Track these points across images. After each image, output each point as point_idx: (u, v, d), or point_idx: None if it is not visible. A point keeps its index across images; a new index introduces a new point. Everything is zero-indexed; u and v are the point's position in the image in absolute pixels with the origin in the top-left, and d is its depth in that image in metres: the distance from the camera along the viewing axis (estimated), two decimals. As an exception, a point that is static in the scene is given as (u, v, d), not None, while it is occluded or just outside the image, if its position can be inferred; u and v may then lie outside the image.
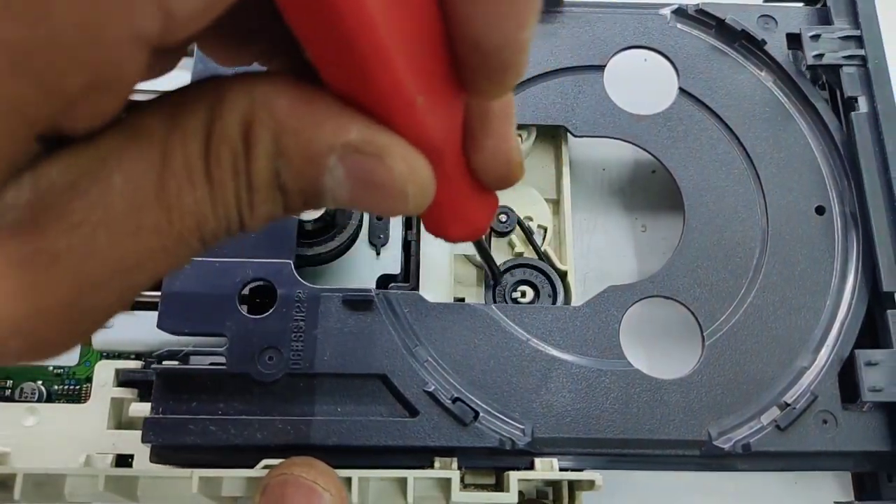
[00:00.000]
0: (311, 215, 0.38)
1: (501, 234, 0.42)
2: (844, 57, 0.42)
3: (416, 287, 0.39)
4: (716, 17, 0.43)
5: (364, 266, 0.41)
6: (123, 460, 0.37)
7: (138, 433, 0.34)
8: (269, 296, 0.36)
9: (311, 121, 0.15)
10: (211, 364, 0.35)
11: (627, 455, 0.35)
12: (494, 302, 0.40)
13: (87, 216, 0.13)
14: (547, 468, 0.34)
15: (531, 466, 0.34)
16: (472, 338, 0.36)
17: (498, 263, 0.39)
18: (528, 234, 0.42)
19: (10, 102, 0.12)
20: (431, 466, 0.34)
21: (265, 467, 0.32)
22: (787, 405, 0.36)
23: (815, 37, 0.42)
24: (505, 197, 0.41)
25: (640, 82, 0.44)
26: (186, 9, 0.13)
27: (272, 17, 0.14)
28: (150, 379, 0.35)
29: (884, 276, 0.38)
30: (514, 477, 0.33)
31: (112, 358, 0.40)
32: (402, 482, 0.33)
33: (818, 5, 0.45)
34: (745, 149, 0.41)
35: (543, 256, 0.42)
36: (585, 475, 0.33)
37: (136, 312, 0.38)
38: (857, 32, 0.42)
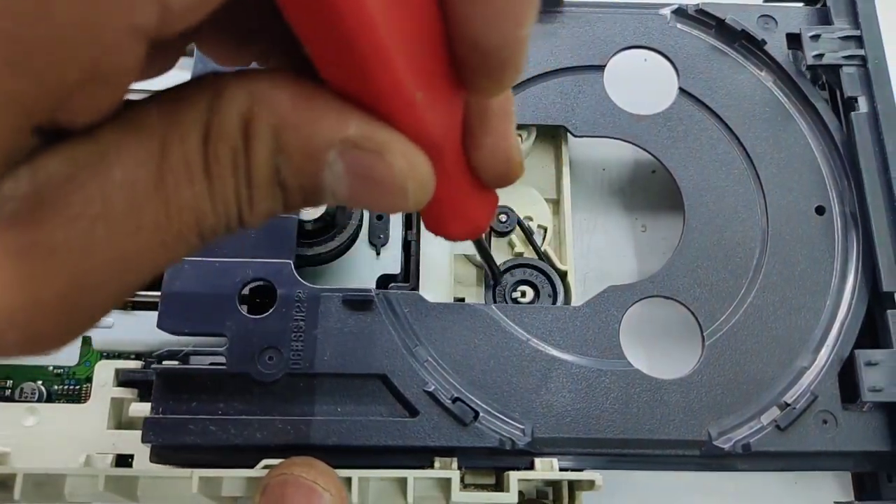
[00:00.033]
0: (311, 215, 0.38)
1: (501, 234, 0.42)
2: (844, 57, 0.42)
3: (416, 287, 0.39)
4: (716, 17, 0.43)
5: (364, 266, 0.41)
6: (123, 460, 0.37)
7: (138, 433, 0.34)
8: (269, 296, 0.36)
9: (311, 116, 0.15)
10: (211, 364, 0.35)
11: (627, 455, 0.35)
12: (494, 302, 0.40)
13: (85, 209, 0.13)
14: (547, 468, 0.34)
15: (531, 466, 0.34)
16: (472, 338, 0.36)
17: (498, 263, 0.39)
18: (528, 234, 0.42)
19: (7, 94, 0.12)
20: (431, 466, 0.34)
21: (265, 467, 0.32)
22: (787, 405, 0.36)
23: (815, 37, 0.42)
24: (505, 197, 0.42)
25: (640, 82, 0.44)
26: (183, 0, 0.13)
27: (271, 16, 0.14)
28: (150, 379, 0.35)
29: (884, 276, 0.38)
30: (514, 477, 0.33)
31: (112, 358, 0.40)
32: (402, 482, 0.33)
33: (818, 5, 0.45)
34: (745, 149, 0.41)
35: (543, 256, 0.42)
36: (585, 475, 0.33)
37: (136, 312, 0.39)
38: (857, 32, 0.42)
